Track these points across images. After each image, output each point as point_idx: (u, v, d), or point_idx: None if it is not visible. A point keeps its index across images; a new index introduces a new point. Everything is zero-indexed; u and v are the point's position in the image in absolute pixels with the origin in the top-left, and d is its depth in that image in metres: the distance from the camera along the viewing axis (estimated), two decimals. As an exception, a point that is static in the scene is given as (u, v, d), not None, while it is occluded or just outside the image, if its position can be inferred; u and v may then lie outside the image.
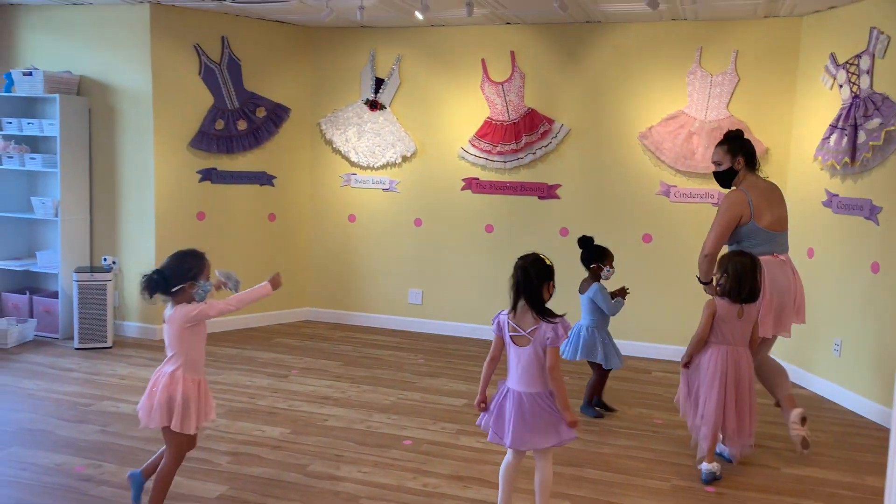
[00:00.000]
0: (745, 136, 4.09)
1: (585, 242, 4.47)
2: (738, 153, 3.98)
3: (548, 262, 2.95)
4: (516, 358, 2.93)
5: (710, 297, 3.78)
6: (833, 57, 4.98)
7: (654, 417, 4.51)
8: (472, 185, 6.23)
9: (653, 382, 5.24)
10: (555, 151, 5.98)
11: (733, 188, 4.02)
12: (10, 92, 5.82)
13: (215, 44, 6.01)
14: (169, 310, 3.03)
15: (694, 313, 5.71)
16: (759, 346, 3.86)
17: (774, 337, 4.01)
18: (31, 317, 5.93)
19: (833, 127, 4.92)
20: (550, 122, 5.95)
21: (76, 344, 5.60)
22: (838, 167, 4.86)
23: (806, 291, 5.27)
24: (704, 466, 3.63)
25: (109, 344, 5.67)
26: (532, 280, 2.89)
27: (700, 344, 3.70)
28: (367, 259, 6.62)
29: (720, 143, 4.04)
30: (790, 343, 5.44)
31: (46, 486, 3.35)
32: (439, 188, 6.33)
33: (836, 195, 4.95)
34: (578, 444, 4.01)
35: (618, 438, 4.15)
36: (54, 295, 5.97)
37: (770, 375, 4.06)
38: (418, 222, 6.42)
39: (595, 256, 4.45)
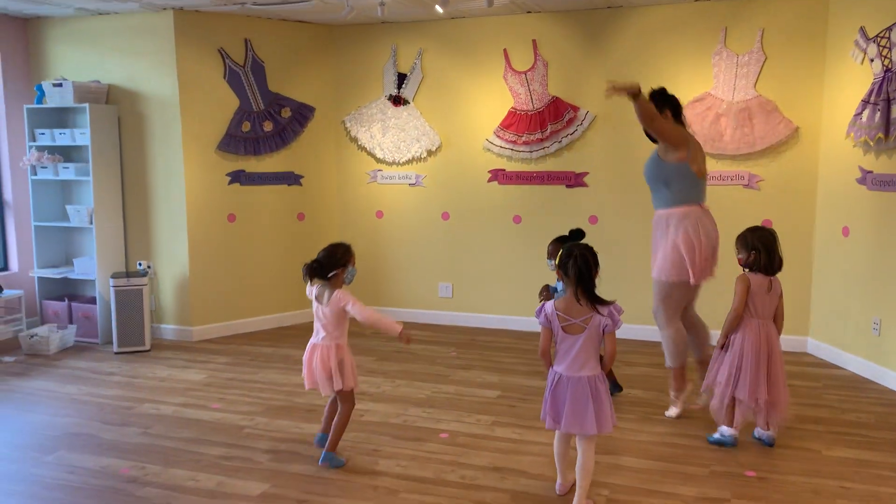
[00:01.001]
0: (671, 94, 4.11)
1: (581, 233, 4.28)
2: (664, 107, 3.99)
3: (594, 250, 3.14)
4: (569, 346, 3.06)
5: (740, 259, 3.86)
6: (863, 31, 4.88)
7: (692, 403, 4.47)
8: (498, 176, 6.22)
9: (688, 368, 5.18)
10: (581, 139, 5.94)
11: None
12: (41, 103, 5.94)
13: (239, 47, 6.06)
14: (312, 290, 3.61)
15: (725, 296, 5.66)
16: (688, 300, 4.16)
17: (698, 287, 4.16)
18: (71, 323, 6.06)
19: (865, 102, 4.83)
20: (575, 109, 5.92)
21: (115, 348, 5.71)
22: (872, 143, 4.77)
23: (842, 270, 5.22)
24: (726, 430, 3.79)
25: (147, 347, 5.77)
26: (591, 268, 3.04)
27: (737, 320, 3.75)
28: (396, 254, 6.64)
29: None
30: (827, 324, 5.36)
31: (94, 488, 3.43)
32: (465, 181, 6.33)
33: (871, 171, 4.85)
34: (615, 433, 3.98)
35: (655, 425, 4.13)
36: (92, 301, 6.09)
37: (698, 332, 4.27)
38: (446, 216, 6.43)
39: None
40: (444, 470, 3.58)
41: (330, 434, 3.63)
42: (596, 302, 3.03)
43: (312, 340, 3.61)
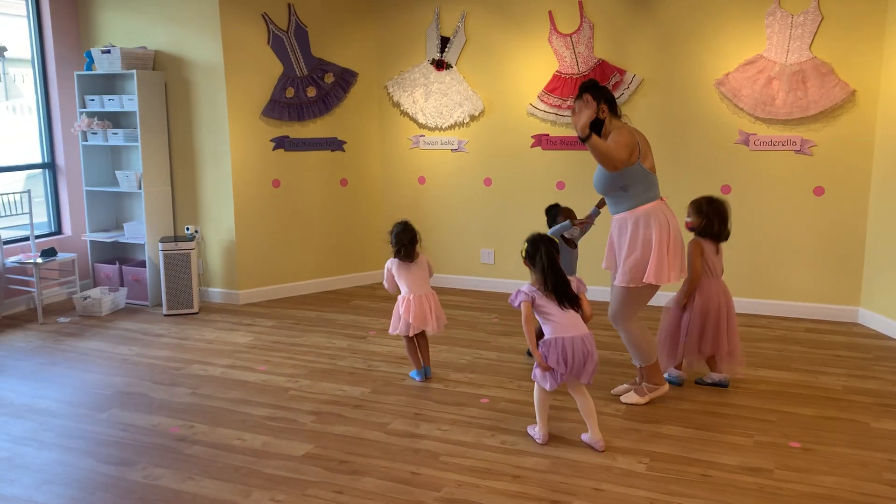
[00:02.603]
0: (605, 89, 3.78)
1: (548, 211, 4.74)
2: (599, 101, 3.67)
3: (557, 241, 3.58)
4: (559, 313, 3.37)
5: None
6: (927, -12, 4.65)
7: (736, 373, 4.42)
8: (541, 141, 6.14)
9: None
10: (627, 103, 5.82)
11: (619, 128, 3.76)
12: (90, 70, 6.05)
13: (282, 11, 6.06)
14: (394, 262, 4.34)
15: (773, 264, 5.55)
16: (636, 305, 3.84)
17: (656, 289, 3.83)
18: (122, 285, 6.23)
19: (927, 64, 4.62)
20: (622, 72, 5.79)
21: (165, 310, 5.86)
22: (933, 107, 4.58)
23: (898, 239, 5.06)
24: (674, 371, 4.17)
25: (196, 310, 5.90)
26: (555, 261, 3.38)
27: (696, 281, 4.07)
28: (438, 220, 6.64)
29: (577, 97, 3.73)
30: (879, 294, 5.22)
31: (145, 445, 3.55)
32: (508, 146, 6.27)
33: (931, 137, 4.67)
34: (657, 401, 3.98)
35: (698, 394, 4.10)
36: (142, 264, 6.24)
37: (649, 340, 3.93)
38: (488, 182, 6.40)
39: (554, 217, 4.64)
40: (484, 434, 3.61)
41: (426, 356, 4.44)
42: (563, 293, 3.37)
43: (409, 295, 4.26)
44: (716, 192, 5.62)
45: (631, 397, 3.96)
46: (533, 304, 3.39)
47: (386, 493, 3.07)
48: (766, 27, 5.36)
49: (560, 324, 3.35)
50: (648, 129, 5.78)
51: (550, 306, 3.36)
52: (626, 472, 3.22)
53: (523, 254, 3.46)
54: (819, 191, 5.40)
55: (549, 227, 4.61)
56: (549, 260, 3.36)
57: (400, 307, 4.28)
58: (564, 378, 3.36)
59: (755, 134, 5.50)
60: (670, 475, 3.19)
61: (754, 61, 5.41)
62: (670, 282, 3.72)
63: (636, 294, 3.77)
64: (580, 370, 3.34)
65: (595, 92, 3.70)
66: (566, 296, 3.37)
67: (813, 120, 5.33)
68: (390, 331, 4.32)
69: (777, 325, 5.39)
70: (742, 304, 5.70)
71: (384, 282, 4.37)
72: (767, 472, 3.21)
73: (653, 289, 3.78)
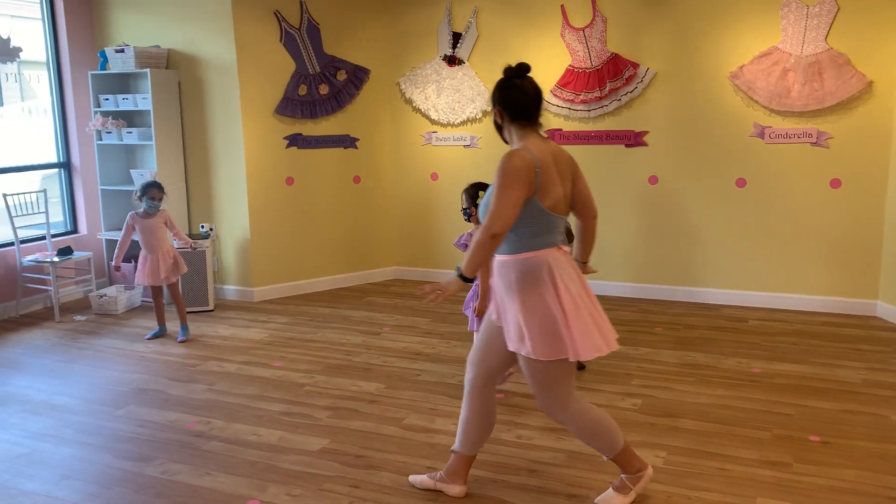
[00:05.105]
0: (521, 80, 2.91)
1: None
2: (496, 102, 2.83)
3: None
4: None
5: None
6: (945, -24, 4.59)
7: (752, 367, 4.39)
8: (555, 136, 6.11)
9: (749, 331, 5.08)
10: (641, 97, 5.79)
11: (512, 149, 2.73)
12: (104, 69, 6.08)
13: (294, 9, 6.07)
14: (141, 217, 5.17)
15: (790, 258, 5.51)
16: (565, 378, 2.77)
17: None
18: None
19: (946, 53, 4.56)
20: (635, 66, 5.76)
21: (180, 308, 5.88)
22: (952, 96, 4.52)
23: (916, 231, 5.00)
24: None
25: (211, 307, 5.93)
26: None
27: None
28: (451, 217, 6.62)
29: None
30: (888, 281, 5.17)
31: (163, 441, 3.57)
32: (522, 141, 6.24)
33: (950, 127, 4.61)
34: (674, 395, 3.96)
35: (715, 388, 4.07)
36: (157, 262, 6.26)
37: (607, 421, 2.88)
38: (502, 177, 6.37)
39: None
40: (499, 429, 3.60)
41: (181, 311, 5.28)
42: None
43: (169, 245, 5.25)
44: (730, 187, 5.61)
45: (611, 499, 2.89)
46: None
47: (402, 487, 3.07)
48: (781, 19, 5.31)
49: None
50: (662, 123, 5.76)
51: None
52: (643, 466, 3.20)
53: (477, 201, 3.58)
54: (836, 183, 5.35)
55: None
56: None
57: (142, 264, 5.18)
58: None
59: (770, 127, 5.45)
60: (687, 469, 3.17)
61: (769, 53, 5.36)
62: (587, 356, 2.65)
63: (554, 370, 2.73)
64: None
65: (495, 89, 2.90)
66: None
67: (829, 112, 5.28)
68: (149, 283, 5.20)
69: (794, 318, 5.34)
70: (758, 298, 5.66)
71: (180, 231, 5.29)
72: (786, 465, 3.19)
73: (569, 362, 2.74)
